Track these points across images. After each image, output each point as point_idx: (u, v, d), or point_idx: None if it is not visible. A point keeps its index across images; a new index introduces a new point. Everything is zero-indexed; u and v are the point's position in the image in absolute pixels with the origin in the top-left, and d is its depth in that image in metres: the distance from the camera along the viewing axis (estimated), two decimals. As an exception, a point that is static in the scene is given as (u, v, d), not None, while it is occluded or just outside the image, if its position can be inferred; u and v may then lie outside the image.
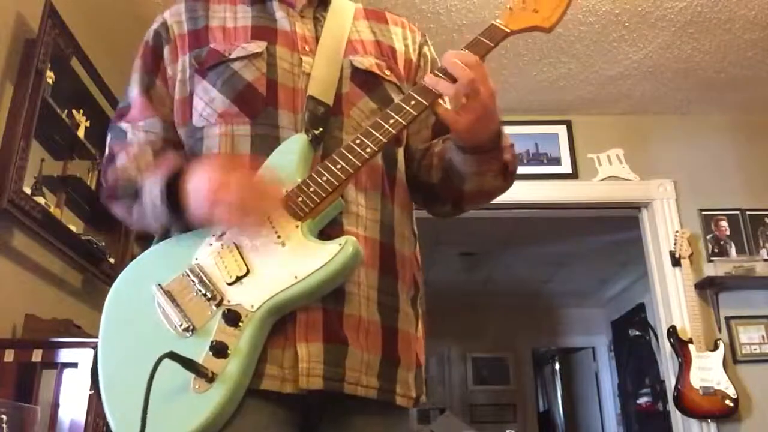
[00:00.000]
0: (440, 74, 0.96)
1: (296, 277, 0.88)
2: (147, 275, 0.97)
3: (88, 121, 2.54)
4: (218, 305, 0.90)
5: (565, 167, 3.77)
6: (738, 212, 3.68)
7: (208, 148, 1.03)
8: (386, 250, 1.03)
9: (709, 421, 3.31)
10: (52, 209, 2.29)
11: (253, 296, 0.89)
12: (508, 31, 1.03)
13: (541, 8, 1.04)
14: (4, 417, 1.64)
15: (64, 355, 1.90)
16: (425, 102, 0.97)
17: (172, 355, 0.83)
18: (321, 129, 1.01)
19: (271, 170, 0.95)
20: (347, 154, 0.95)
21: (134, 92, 1.12)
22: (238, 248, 0.93)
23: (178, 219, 0.95)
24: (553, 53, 3.33)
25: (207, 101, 1.04)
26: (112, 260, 2.68)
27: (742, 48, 3.28)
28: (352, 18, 1.17)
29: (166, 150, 1.05)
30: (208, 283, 0.91)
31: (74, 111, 2.50)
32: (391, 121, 0.96)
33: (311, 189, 0.93)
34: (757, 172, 3.78)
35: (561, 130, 3.85)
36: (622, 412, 6.83)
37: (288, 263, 0.90)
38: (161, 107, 1.10)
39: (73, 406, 1.85)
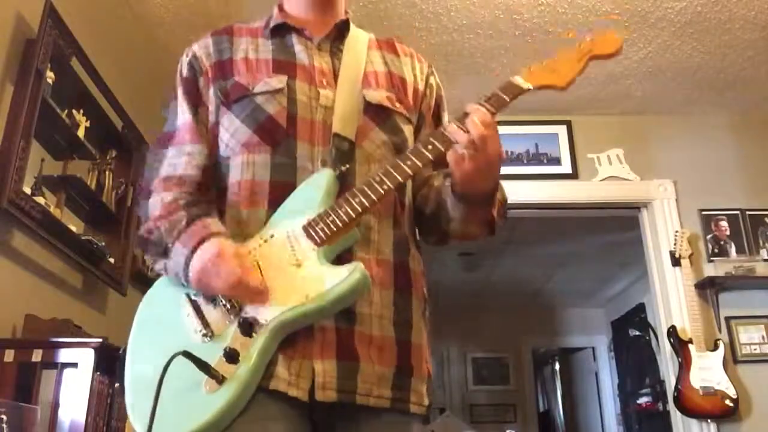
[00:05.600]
0: (460, 124, 1.04)
1: (307, 296, 0.97)
2: (177, 287, 1.08)
3: (88, 121, 2.53)
4: (236, 315, 0.99)
5: (565, 167, 3.77)
6: (738, 212, 3.69)
7: (234, 176, 1.12)
8: (400, 270, 1.12)
9: (709, 421, 3.32)
10: (52, 209, 2.29)
11: (268, 311, 0.98)
12: (525, 88, 1.10)
13: (558, 69, 1.13)
14: (4, 417, 1.64)
15: (64, 355, 1.90)
16: (441, 148, 1.05)
17: (187, 354, 0.92)
18: (348, 165, 1.09)
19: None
20: (366, 189, 1.03)
21: (184, 118, 1.17)
22: (259, 267, 1.02)
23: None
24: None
25: (231, 132, 1.13)
26: (112, 260, 2.68)
27: (742, 48, 3.29)
28: (366, 49, 1.25)
29: (197, 209, 1.10)
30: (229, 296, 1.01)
31: (74, 111, 2.49)
32: (409, 163, 1.04)
33: (330, 218, 1.02)
34: (757, 172, 3.78)
35: (561, 130, 3.85)
36: (622, 412, 6.83)
37: (301, 284, 0.99)
38: (206, 134, 1.17)
39: (73, 406, 1.85)
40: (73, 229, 2.44)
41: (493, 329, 7.38)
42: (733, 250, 3.62)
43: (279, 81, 1.13)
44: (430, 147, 1.05)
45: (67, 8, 2.37)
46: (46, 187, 2.34)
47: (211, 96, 1.16)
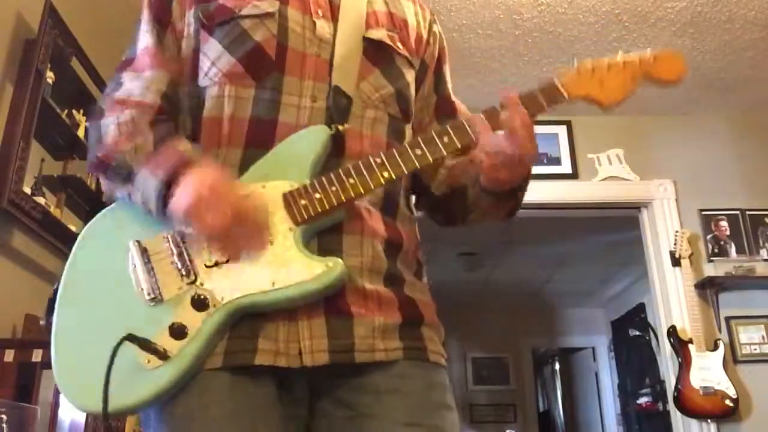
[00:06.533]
0: (489, 114, 0.94)
1: (274, 284, 0.87)
2: (126, 224, 0.95)
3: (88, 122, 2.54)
4: (190, 284, 0.88)
5: (565, 167, 3.77)
6: (738, 212, 3.68)
7: (210, 110, 0.99)
8: (390, 225, 1.01)
9: (709, 421, 3.32)
10: (52, 209, 2.29)
11: (226, 288, 0.87)
12: (566, 97, 0.98)
13: (606, 81, 0.99)
14: (4, 417, 1.64)
15: (64, 355, 1.90)
16: (458, 144, 0.94)
17: (132, 338, 0.83)
18: (346, 126, 0.97)
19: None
20: (364, 171, 0.92)
21: (145, 42, 1.05)
22: None
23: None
24: (553, 53, 3.32)
25: (213, 59, 1.00)
26: (112, 260, 2.68)
27: (742, 48, 3.29)
28: None
29: (162, 129, 0.97)
30: (186, 258, 0.89)
31: (74, 111, 2.49)
32: (418, 152, 0.93)
33: (316, 196, 0.90)
34: (757, 172, 3.78)
35: (561, 130, 3.84)
36: (622, 412, 6.83)
37: (270, 265, 0.87)
38: (171, 62, 1.04)
39: (73, 406, 1.85)
40: (73, 229, 2.44)
41: (493, 329, 7.38)
42: (733, 250, 3.62)
43: (270, 5, 1.01)
44: (445, 140, 0.94)
45: (67, 8, 2.37)
46: (46, 187, 2.34)
47: (188, 20, 1.03)
